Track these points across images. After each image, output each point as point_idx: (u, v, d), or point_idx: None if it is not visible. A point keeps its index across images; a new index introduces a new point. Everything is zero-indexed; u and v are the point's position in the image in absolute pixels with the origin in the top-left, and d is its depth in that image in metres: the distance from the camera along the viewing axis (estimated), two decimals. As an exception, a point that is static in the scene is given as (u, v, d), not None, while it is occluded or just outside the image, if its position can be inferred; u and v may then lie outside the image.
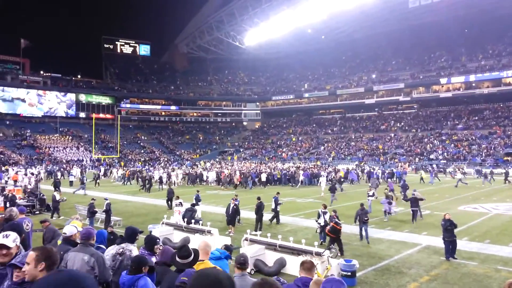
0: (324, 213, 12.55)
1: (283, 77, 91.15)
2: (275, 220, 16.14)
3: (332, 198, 21.37)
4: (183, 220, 14.24)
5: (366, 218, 13.24)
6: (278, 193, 17.33)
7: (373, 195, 19.52)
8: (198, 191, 19.02)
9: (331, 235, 11.57)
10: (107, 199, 15.97)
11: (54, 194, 18.92)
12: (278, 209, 16.14)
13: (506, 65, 58.66)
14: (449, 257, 10.77)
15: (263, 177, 32.64)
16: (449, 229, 10.86)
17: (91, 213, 15.01)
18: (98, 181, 34.53)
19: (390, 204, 16.89)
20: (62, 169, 45.86)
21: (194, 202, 16.83)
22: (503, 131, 53.02)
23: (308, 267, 3.86)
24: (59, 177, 36.57)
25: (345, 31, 77.54)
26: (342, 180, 30.95)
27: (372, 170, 37.88)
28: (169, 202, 20.57)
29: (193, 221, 13.50)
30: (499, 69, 58.58)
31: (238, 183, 31.65)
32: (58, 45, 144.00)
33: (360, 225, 13.45)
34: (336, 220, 11.60)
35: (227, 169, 40.19)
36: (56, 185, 25.64)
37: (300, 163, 54.23)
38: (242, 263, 4.06)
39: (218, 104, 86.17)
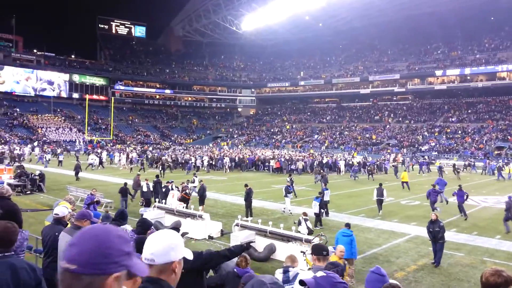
0: (306, 220, 11.15)
1: (279, 64, 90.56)
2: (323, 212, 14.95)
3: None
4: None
5: (324, 186, 17.91)
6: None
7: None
8: (288, 179, 18.66)
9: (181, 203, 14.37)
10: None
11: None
12: (328, 200, 15.31)
13: (501, 59, 58.75)
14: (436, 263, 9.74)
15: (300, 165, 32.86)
16: (433, 231, 9.79)
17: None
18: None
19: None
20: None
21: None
22: (495, 125, 53.42)
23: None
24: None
25: (343, 19, 76.75)
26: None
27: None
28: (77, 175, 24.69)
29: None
30: (494, 63, 58.66)
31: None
32: (52, 23, 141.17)
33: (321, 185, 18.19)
34: (187, 191, 15.21)
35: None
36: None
37: (294, 151, 54.37)
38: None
39: (213, 89, 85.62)
